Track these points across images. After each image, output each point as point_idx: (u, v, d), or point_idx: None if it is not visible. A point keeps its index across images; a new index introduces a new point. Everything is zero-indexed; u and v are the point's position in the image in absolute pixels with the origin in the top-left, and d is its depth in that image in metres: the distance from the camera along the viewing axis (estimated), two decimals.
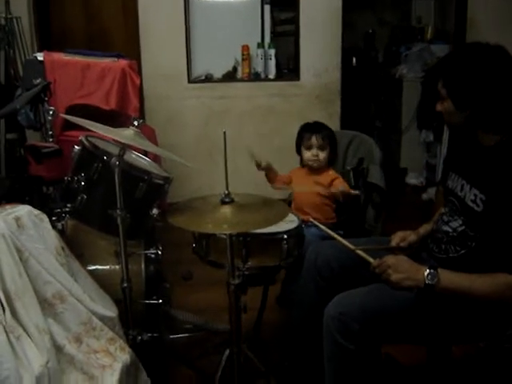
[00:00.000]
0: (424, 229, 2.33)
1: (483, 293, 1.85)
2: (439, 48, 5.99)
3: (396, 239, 2.29)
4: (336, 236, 2.25)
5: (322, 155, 2.94)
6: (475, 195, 1.97)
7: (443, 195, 2.24)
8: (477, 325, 1.97)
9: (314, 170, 2.97)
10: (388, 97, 6.38)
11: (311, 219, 2.53)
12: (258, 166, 2.91)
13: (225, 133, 1.98)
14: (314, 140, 2.93)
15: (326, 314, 1.98)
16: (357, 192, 2.82)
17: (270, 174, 2.98)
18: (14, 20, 4.46)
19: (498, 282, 1.84)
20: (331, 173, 2.96)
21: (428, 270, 1.88)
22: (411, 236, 2.29)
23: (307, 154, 2.95)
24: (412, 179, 5.91)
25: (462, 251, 2.01)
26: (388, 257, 1.99)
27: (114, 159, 2.13)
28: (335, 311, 1.95)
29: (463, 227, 2.02)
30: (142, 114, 4.64)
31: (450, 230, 2.07)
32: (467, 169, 2.08)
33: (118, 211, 2.16)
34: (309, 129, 3.00)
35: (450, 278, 1.88)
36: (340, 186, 2.83)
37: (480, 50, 1.95)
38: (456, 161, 2.20)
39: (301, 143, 3.00)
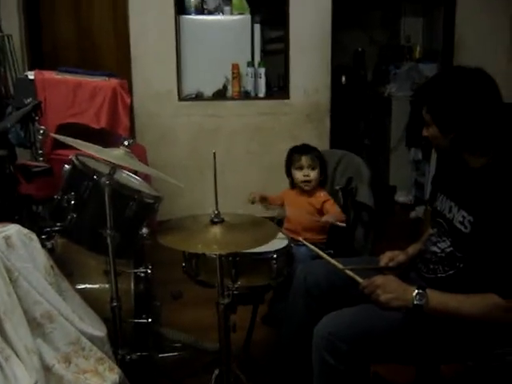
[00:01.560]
0: (413, 249, 2.34)
1: (471, 313, 1.87)
2: (427, 67, 6.05)
3: (385, 259, 2.30)
4: (325, 256, 2.26)
5: (313, 174, 2.95)
6: (463, 217, 1.98)
7: (431, 216, 2.26)
8: (465, 344, 1.98)
9: (305, 190, 2.98)
10: (377, 115, 6.42)
11: (301, 239, 2.54)
12: (252, 202, 2.94)
13: (214, 153, 2.00)
14: (303, 160, 2.95)
15: (316, 334, 1.99)
16: (343, 225, 2.84)
17: (264, 201, 3.01)
18: (6, 38, 4.47)
19: (486, 303, 1.85)
20: (322, 194, 2.97)
21: (416, 291, 1.89)
22: (400, 256, 2.31)
23: (298, 175, 2.97)
24: (401, 197, 5.94)
25: (450, 272, 2.03)
26: (377, 277, 2.00)
27: (104, 178, 2.14)
28: (324, 331, 1.96)
29: (451, 248, 2.03)
30: (132, 132, 4.65)
31: (439, 251, 2.08)
32: (455, 190, 2.10)
33: (107, 230, 2.16)
34: (298, 150, 3.03)
35: (438, 298, 1.89)
36: (329, 216, 2.85)
37: (460, 74, 1.99)
38: (444, 182, 2.22)
39: (290, 165, 3.01)
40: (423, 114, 2.03)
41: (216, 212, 2.00)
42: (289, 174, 3.05)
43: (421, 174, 5.72)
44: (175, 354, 2.79)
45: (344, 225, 2.84)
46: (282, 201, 3.05)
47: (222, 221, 2.00)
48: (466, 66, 1.98)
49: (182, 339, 2.91)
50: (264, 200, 3.01)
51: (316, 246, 2.39)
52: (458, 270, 2.00)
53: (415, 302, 1.88)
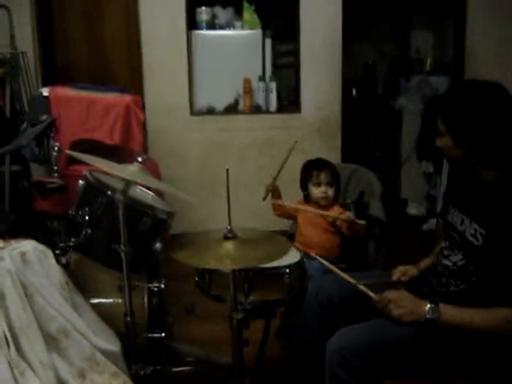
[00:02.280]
0: (425, 263, 2.35)
1: (484, 327, 1.87)
2: (438, 80, 6.06)
3: (397, 274, 2.31)
4: (338, 271, 2.27)
5: (331, 191, 2.94)
6: (475, 230, 1.99)
7: (443, 229, 2.26)
8: (478, 358, 1.98)
9: (320, 205, 2.97)
10: (388, 128, 6.42)
11: (313, 254, 2.55)
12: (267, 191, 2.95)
13: (227, 170, 2.02)
14: (322, 177, 2.94)
15: (328, 349, 1.99)
16: (363, 222, 2.81)
17: (276, 194, 3.00)
18: (20, 55, 4.53)
19: (499, 316, 1.85)
20: (336, 209, 2.96)
21: (429, 305, 1.90)
22: (412, 270, 2.32)
23: (316, 191, 2.95)
24: (412, 210, 5.92)
25: (463, 285, 2.03)
26: (389, 292, 2.01)
27: (118, 194, 2.17)
28: (337, 346, 1.97)
29: (463, 261, 2.03)
30: (144, 147, 4.68)
31: (450, 264, 2.09)
32: (467, 203, 2.10)
33: (121, 246, 2.19)
34: (316, 166, 3.01)
35: (450, 312, 1.90)
36: (349, 214, 2.84)
37: (479, 87, 1.99)
38: (456, 195, 2.22)
39: (307, 180, 3.00)
40: (438, 124, 2.04)
41: (229, 228, 2.02)
42: (304, 188, 3.04)
43: (432, 187, 5.71)
44: (188, 368, 2.79)
45: (364, 222, 2.81)
46: (295, 211, 3.05)
47: (235, 236, 2.02)
48: (485, 80, 1.99)
49: (195, 353, 2.92)
50: (275, 192, 3.00)
51: (328, 261, 2.41)
52: (470, 284, 2.00)
53: (428, 317, 1.89)
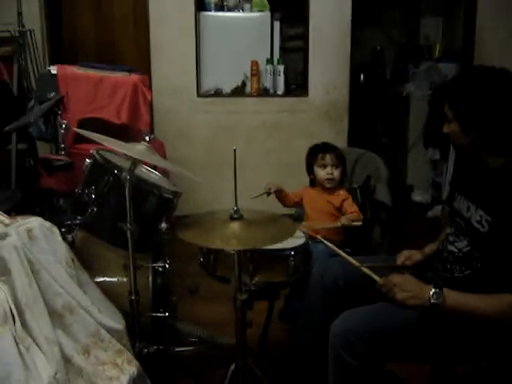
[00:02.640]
0: (430, 248, 2.35)
1: (488, 313, 1.87)
2: (447, 66, 6.02)
3: (401, 258, 2.32)
4: (342, 253, 2.28)
5: (337, 173, 2.94)
6: (481, 216, 1.99)
7: (449, 215, 2.26)
8: (481, 344, 1.98)
9: (325, 189, 2.97)
10: (395, 114, 6.39)
11: (319, 236, 2.55)
12: (268, 193, 2.95)
13: (235, 150, 2.01)
14: (328, 158, 2.94)
15: (332, 331, 2.00)
16: (359, 224, 2.84)
17: (280, 194, 3.01)
18: (28, 32, 4.51)
19: (503, 302, 1.85)
20: (342, 193, 2.96)
21: (433, 290, 1.90)
22: (417, 255, 2.32)
23: (322, 173, 2.95)
24: (418, 196, 5.91)
25: (467, 271, 2.03)
26: (394, 275, 2.02)
27: (124, 173, 2.17)
28: (341, 329, 1.97)
29: (468, 248, 2.03)
30: (151, 127, 4.68)
31: (456, 251, 2.09)
32: (473, 190, 2.10)
33: (127, 224, 2.19)
34: (321, 149, 3.01)
35: (455, 297, 1.90)
36: (344, 219, 2.84)
37: (486, 73, 1.99)
38: (462, 182, 2.22)
39: (313, 163, 3.00)
40: (445, 110, 2.03)
41: (235, 208, 2.02)
42: (310, 171, 3.04)
43: (438, 174, 5.70)
44: (192, 348, 2.80)
45: (360, 223, 2.84)
46: (300, 198, 3.05)
47: (241, 217, 2.02)
48: (492, 66, 1.98)
49: (199, 333, 2.93)
50: (280, 192, 3.01)
51: (333, 245, 2.41)
52: (475, 270, 2.00)
53: (432, 301, 1.89)
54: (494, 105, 1.92)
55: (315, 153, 3.01)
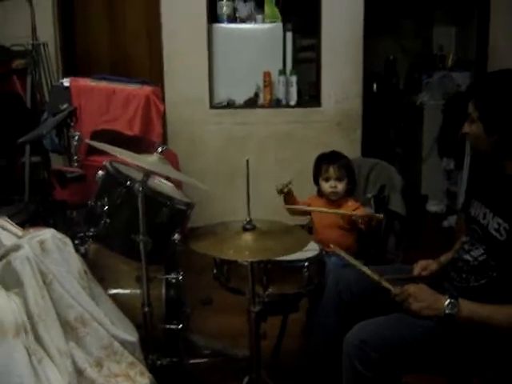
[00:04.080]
0: (445, 257, 2.32)
1: (503, 323, 1.85)
2: (460, 76, 5.99)
3: (418, 268, 2.29)
4: (358, 264, 2.25)
5: (340, 186, 2.91)
6: (499, 224, 1.96)
7: (465, 223, 2.24)
8: (497, 355, 1.95)
9: (333, 200, 2.95)
10: (409, 124, 6.37)
11: (332, 246, 2.52)
12: (281, 191, 2.91)
13: (248, 160, 2.01)
14: (331, 171, 2.91)
15: (346, 342, 1.98)
16: (381, 216, 2.78)
17: (289, 198, 2.97)
18: (41, 46, 4.55)
19: None
20: (351, 203, 2.93)
21: (448, 300, 1.89)
22: (433, 265, 2.30)
23: (325, 186, 2.93)
24: (433, 206, 5.87)
25: (483, 281, 2.00)
26: (409, 285, 2.00)
27: (137, 185, 2.16)
28: (355, 339, 1.95)
29: (484, 256, 2.01)
30: (164, 138, 4.68)
31: (471, 259, 2.06)
32: (490, 197, 2.07)
33: (140, 236, 2.18)
34: (325, 159, 2.98)
35: (470, 307, 1.88)
36: (365, 210, 2.82)
37: None
38: (479, 188, 2.20)
39: (318, 174, 2.98)
40: (469, 110, 2.01)
41: (248, 219, 2.01)
42: (316, 182, 3.02)
43: (453, 184, 5.66)
44: (205, 360, 2.79)
45: (381, 216, 2.78)
46: (308, 212, 3.03)
47: (254, 228, 2.01)
48: None
49: (212, 346, 2.92)
50: (288, 195, 2.94)
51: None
52: (491, 280, 1.98)
53: (447, 312, 1.87)
54: None
55: (320, 164, 2.99)
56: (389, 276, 2.18)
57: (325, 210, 2.92)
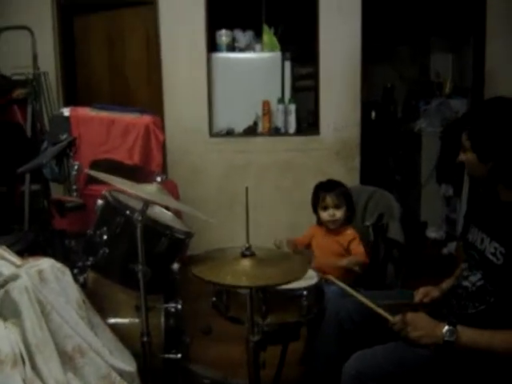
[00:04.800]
0: (446, 284, 2.32)
1: (503, 349, 1.84)
2: (458, 102, 6.05)
3: (419, 295, 2.29)
4: (355, 294, 2.26)
5: (339, 214, 2.94)
6: (495, 248, 1.97)
7: (463, 248, 2.24)
8: (496, 381, 1.94)
9: (332, 229, 2.97)
10: (407, 151, 6.40)
11: (330, 277, 2.53)
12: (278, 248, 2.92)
13: (247, 188, 2.01)
14: (328, 200, 2.94)
15: (344, 372, 1.98)
16: (358, 271, 2.85)
17: (290, 245, 2.98)
18: (42, 75, 4.59)
19: None
20: (349, 232, 2.95)
21: (447, 327, 1.88)
22: (434, 291, 2.30)
23: (324, 215, 2.96)
24: (432, 233, 5.88)
25: (481, 307, 2.00)
26: (406, 314, 2.00)
27: (136, 214, 2.16)
28: (352, 369, 1.95)
29: (482, 281, 2.01)
30: (164, 168, 4.70)
31: (470, 285, 2.06)
32: (487, 222, 2.09)
33: (139, 266, 2.18)
34: (322, 188, 3.01)
35: (468, 334, 1.88)
36: (348, 260, 2.86)
37: (505, 104, 2.00)
38: (476, 214, 2.21)
39: (316, 203, 3.00)
40: (462, 140, 2.04)
41: (247, 245, 2.01)
42: (315, 211, 3.03)
43: (452, 210, 5.67)
44: None
45: (359, 271, 2.84)
46: (309, 240, 3.04)
47: (253, 254, 2.00)
48: (511, 98, 1.99)
49: (211, 375, 2.89)
50: (291, 244, 2.97)
51: (346, 283, 2.39)
52: (489, 305, 1.97)
53: (445, 339, 1.87)
54: (511, 135, 1.92)
55: (317, 193, 3.02)
56: (389, 301, 2.18)
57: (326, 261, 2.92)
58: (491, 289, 1.97)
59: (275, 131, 5.20)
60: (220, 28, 5.16)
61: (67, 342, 2.01)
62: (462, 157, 2.06)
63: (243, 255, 2.00)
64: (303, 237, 3.06)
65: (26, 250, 2.87)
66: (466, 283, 2.09)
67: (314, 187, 3.07)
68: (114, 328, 2.36)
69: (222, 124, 5.23)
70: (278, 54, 5.17)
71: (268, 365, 2.25)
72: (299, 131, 5.26)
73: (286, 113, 5.16)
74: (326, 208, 2.95)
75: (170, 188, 3.99)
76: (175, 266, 2.40)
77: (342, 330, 2.34)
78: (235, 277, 1.96)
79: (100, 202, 2.45)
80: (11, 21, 4.64)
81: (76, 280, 2.30)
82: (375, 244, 2.96)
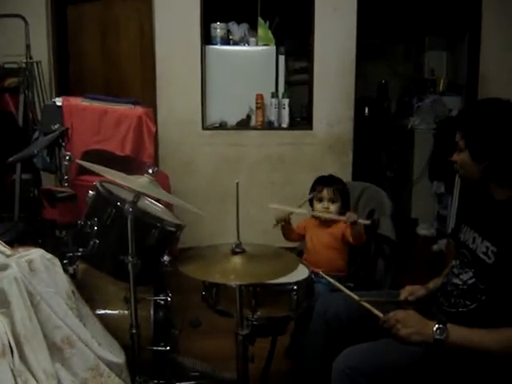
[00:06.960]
0: (434, 283, 2.33)
1: (493, 348, 1.84)
2: (451, 100, 6.05)
3: (405, 293, 2.30)
4: (344, 288, 2.26)
5: (333, 208, 2.95)
6: (487, 247, 1.98)
7: (455, 247, 2.25)
8: (487, 379, 1.95)
9: (325, 221, 2.98)
10: (400, 147, 6.41)
11: (320, 272, 2.54)
12: (282, 220, 2.92)
13: (237, 183, 2.01)
14: (325, 193, 2.95)
15: (334, 368, 1.98)
16: (368, 222, 2.82)
17: (286, 226, 2.99)
18: (35, 64, 4.56)
19: (508, 337, 1.83)
20: (342, 224, 2.95)
21: (437, 325, 1.88)
22: (420, 290, 2.30)
23: (318, 206, 2.97)
24: (423, 230, 5.88)
25: (472, 305, 2.01)
26: (397, 311, 1.99)
27: (127, 206, 2.16)
28: (343, 365, 1.95)
29: (473, 280, 2.02)
30: (156, 159, 4.69)
31: (461, 283, 2.07)
32: (479, 221, 2.10)
33: (129, 257, 2.18)
34: (321, 181, 3.03)
35: (459, 332, 1.88)
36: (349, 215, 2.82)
37: (501, 105, 2.01)
38: (468, 213, 2.22)
39: (313, 196, 3.01)
40: (457, 139, 2.05)
41: (237, 242, 2.01)
42: (311, 203, 3.04)
43: (443, 207, 5.68)
44: (193, 382, 2.77)
45: (369, 222, 2.81)
46: (304, 229, 3.04)
47: (243, 251, 2.00)
48: (508, 99, 2.01)
49: (200, 368, 2.90)
50: (286, 224, 2.98)
51: (336, 279, 2.39)
52: (480, 304, 1.98)
53: (436, 337, 1.86)
54: (506, 135, 1.94)
55: (315, 185, 3.03)
56: (374, 298, 2.18)
57: (318, 213, 2.93)
58: (482, 287, 1.98)
59: (268, 125, 5.19)
60: (215, 20, 5.15)
61: (56, 333, 2.01)
62: (456, 157, 2.07)
63: (233, 252, 2.00)
64: (296, 226, 3.06)
65: (16, 240, 2.86)
66: (456, 280, 2.09)
67: (314, 180, 3.08)
68: (103, 319, 2.37)
69: (214, 117, 5.22)
70: (272, 48, 5.16)
71: (256, 358, 2.26)
72: (292, 125, 5.26)
73: (280, 107, 5.16)
74: (321, 200, 2.96)
75: (162, 180, 3.98)
76: (165, 258, 2.39)
77: (330, 328, 2.35)
78: (224, 275, 1.96)
79: (91, 192, 2.43)
80: (5, 9, 4.61)
81: (66, 271, 2.30)
82: (366, 240, 2.96)
